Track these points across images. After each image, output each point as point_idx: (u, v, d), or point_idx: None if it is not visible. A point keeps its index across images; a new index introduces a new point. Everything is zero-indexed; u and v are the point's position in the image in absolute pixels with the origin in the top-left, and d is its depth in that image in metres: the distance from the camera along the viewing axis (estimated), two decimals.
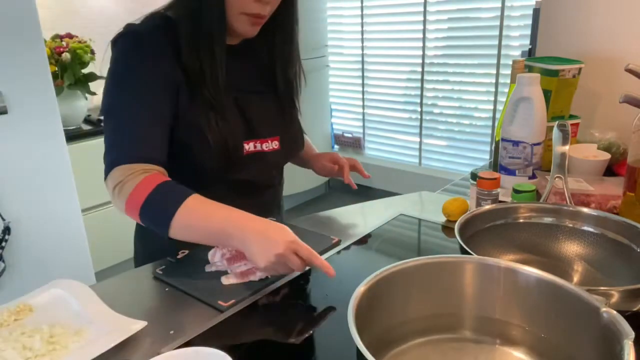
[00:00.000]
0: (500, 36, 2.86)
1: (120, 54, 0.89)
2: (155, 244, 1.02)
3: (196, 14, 0.87)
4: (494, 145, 1.36)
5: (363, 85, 3.63)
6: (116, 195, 0.83)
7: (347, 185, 1.17)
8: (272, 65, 1.03)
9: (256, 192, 1.00)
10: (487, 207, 0.90)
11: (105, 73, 0.91)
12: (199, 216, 0.80)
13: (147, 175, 0.82)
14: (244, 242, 0.77)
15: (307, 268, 0.80)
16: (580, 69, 1.27)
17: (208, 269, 0.87)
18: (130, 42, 0.89)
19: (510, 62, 1.28)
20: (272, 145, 1.00)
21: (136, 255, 1.10)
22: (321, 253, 0.93)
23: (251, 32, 0.93)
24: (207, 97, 0.90)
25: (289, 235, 0.76)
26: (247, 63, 1.01)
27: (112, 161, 0.84)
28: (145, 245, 1.07)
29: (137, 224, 1.05)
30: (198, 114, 0.90)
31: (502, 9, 2.82)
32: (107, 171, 0.85)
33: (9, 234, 1.52)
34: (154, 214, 0.81)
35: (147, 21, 0.91)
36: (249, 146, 0.96)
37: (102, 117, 0.91)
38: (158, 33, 0.89)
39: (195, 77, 0.89)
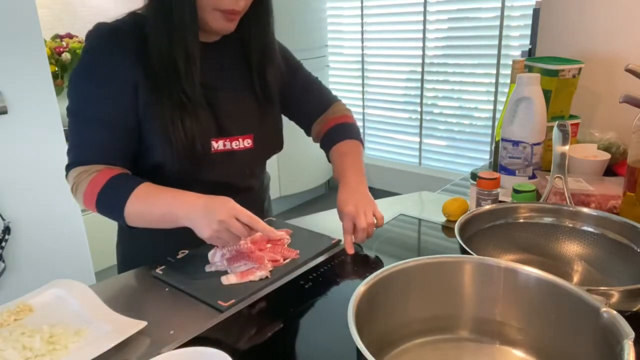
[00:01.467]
0: (500, 36, 2.86)
1: (84, 53, 0.89)
2: (137, 248, 1.03)
3: (167, 11, 0.85)
4: (494, 145, 1.36)
5: (363, 85, 3.63)
6: (74, 193, 0.89)
7: None
8: (247, 60, 1.00)
9: (230, 194, 0.86)
10: (487, 207, 0.90)
11: None
12: (148, 202, 0.85)
13: (97, 174, 0.86)
14: (189, 218, 0.81)
15: (258, 234, 0.86)
16: (580, 69, 1.27)
17: (208, 269, 0.87)
18: (92, 41, 0.88)
19: (510, 62, 1.28)
20: (243, 143, 0.97)
21: (119, 261, 1.08)
22: (321, 253, 0.93)
23: (226, 28, 0.90)
24: (176, 96, 0.88)
25: (230, 202, 0.81)
26: (222, 60, 0.98)
27: (70, 163, 0.89)
28: (127, 250, 1.06)
29: (119, 230, 1.07)
30: (160, 114, 0.88)
31: (502, 9, 2.81)
32: (66, 171, 0.90)
33: (9, 234, 1.52)
34: (109, 205, 0.86)
35: (121, 21, 0.91)
36: (218, 144, 0.94)
37: None
38: (123, 31, 0.88)
39: (167, 78, 0.87)
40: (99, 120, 0.88)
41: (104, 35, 0.88)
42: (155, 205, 0.84)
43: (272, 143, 1.06)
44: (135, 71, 0.87)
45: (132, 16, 0.92)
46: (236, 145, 0.96)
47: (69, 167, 0.89)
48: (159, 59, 0.87)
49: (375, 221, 0.94)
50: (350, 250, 0.92)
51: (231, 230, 0.79)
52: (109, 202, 0.86)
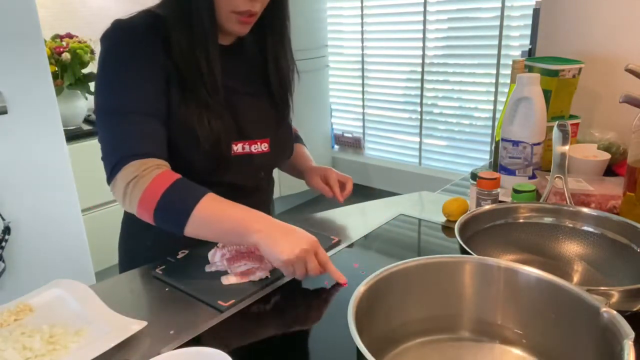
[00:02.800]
0: (500, 36, 2.86)
1: (112, 49, 0.87)
2: (139, 249, 1.02)
3: (187, 15, 0.86)
4: (494, 145, 1.36)
5: (363, 85, 3.63)
6: (129, 192, 0.81)
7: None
8: (264, 65, 1.01)
9: (243, 195, 0.92)
10: (487, 207, 0.90)
11: None
12: (218, 210, 0.80)
13: (161, 172, 0.82)
14: (268, 235, 0.78)
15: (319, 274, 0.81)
16: (580, 69, 1.27)
17: (208, 269, 0.87)
18: (121, 36, 0.87)
19: (510, 62, 1.28)
20: (261, 147, 0.98)
21: (121, 259, 1.08)
22: None
23: (242, 30, 0.91)
24: (202, 97, 0.89)
25: (313, 237, 0.80)
26: (239, 63, 0.99)
27: (121, 158, 0.82)
28: (130, 251, 1.05)
29: (123, 230, 1.05)
30: (189, 112, 0.89)
31: (502, 9, 2.82)
32: (116, 169, 0.82)
33: (9, 234, 1.52)
34: (173, 207, 0.80)
35: (137, 17, 0.89)
36: (237, 147, 0.94)
37: (95, 116, 0.90)
38: (149, 29, 0.87)
39: (191, 77, 0.88)
40: (143, 111, 0.85)
41: (128, 29, 0.87)
42: (226, 214, 0.80)
43: (286, 148, 1.08)
44: (167, 61, 0.87)
45: (147, 14, 0.90)
46: (255, 149, 0.97)
47: (118, 166, 0.82)
48: (180, 58, 0.87)
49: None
50: (341, 199, 1.13)
51: (308, 263, 0.78)
52: (174, 204, 0.80)
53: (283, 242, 0.77)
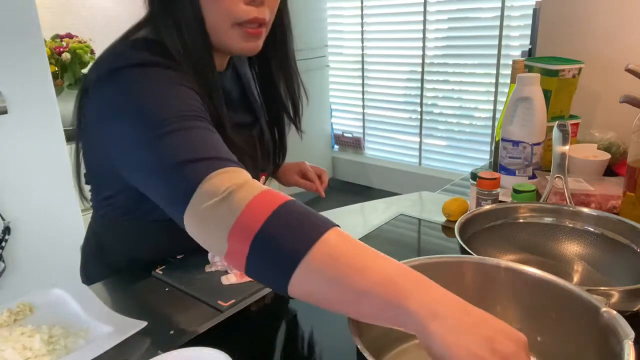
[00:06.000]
0: (500, 36, 2.86)
1: (134, 87, 0.64)
2: (109, 259, 0.91)
3: (180, 38, 0.69)
4: (494, 145, 1.36)
5: (363, 85, 3.63)
6: (227, 202, 0.52)
7: (347, 185, 1.16)
8: (263, 88, 0.88)
9: None
10: (487, 207, 0.90)
11: None
12: (348, 257, 0.49)
13: (267, 190, 0.53)
14: (443, 318, 0.44)
15: None
16: (580, 69, 1.27)
17: (208, 269, 0.87)
18: (144, 73, 0.66)
19: (510, 62, 1.28)
20: (261, 182, 0.86)
21: (83, 270, 0.95)
22: None
23: (252, 47, 0.74)
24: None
25: (521, 337, 0.45)
26: (229, 93, 0.84)
27: (206, 167, 0.56)
28: (97, 259, 0.93)
29: (90, 231, 0.91)
30: None
31: (502, 9, 2.82)
32: (198, 180, 0.55)
33: (9, 234, 1.52)
34: (277, 247, 0.49)
35: (138, 50, 0.69)
36: None
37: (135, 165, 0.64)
38: (166, 62, 0.68)
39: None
40: (201, 115, 0.65)
41: (158, 65, 0.67)
42: (365, 267, 0.48)
43: (278, 169, 1.01)
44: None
45: (154, 46, 0.70)
46: None
47: (205, 172, 0.55)
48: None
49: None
50: (323, 193, 1.08)
51: None
52: (280, 241, 0.49)
53: (466, 339, 0.42)
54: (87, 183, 0.84)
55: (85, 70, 2.24)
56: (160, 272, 0.87)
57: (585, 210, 0.85)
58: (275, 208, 0.50)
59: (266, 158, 0.92)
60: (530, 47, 2.01)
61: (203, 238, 0.55)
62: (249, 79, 0.92)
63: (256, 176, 0.82)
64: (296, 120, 0.94)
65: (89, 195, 0.87)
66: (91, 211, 0.89)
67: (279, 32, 0.82)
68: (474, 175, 1.04)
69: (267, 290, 0.81)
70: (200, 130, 0.61)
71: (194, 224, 0.55)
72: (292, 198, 0.53)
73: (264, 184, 0.86)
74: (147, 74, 0.66)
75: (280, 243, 0.48)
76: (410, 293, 0.45)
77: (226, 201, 0.52)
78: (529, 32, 2.37)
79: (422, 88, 3.30)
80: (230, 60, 0.86)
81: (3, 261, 1.52)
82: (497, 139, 1.27)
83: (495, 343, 0.42)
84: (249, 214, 0.50)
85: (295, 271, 0.48)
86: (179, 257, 0.92)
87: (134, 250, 0.89)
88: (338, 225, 0.52)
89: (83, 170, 0.84)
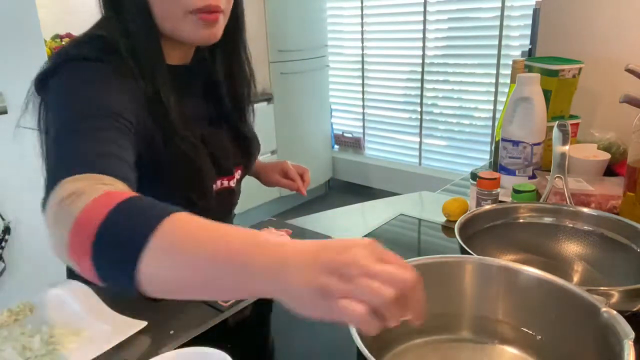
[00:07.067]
0: (500, 36, 2.86)
1: (71, 79, 0.66)
2: None
3: (129, 31, 0.69)
4: (494, 145, 1.36)
5: (363, 85, 3.63)
6: (65, 207, 0.50)
7: (347, 185, 1.16)
8: (217, 81, 0.86)
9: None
10: (487, 207, 0.90)
11: None
12: (195, 237, 0.44)
13: (110, 190, 0.50)
14: (294, 267, 0.42)
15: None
16: (580, 69, 1.27)
17: None
18: (83, 67, 0.66)
19: (510, 62, 1.28)
20: (237, 175, 0.90)
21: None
22: None
23: (209, 35, 0.72)
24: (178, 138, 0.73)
25: (372, 243, 0.45)
26: (195, 87, 0.84)
27: (66, 170, 0.55)
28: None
29: None
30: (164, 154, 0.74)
31: (502, 9, 2.82)
32: (53, 183, 0.54)
33: (9, 234, 1.52)
34: (119, 237, 0.45)
35: (87, 45, 0.69)
36: (216, 185, 0.84)
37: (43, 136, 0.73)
38: (114, 57, 0.69)
39: (159, 110, 0.72)
40: (111, 116, 0.63)
41: (101, 59, 0.68)
42: (208, 244, 0.43)
43: (254, 160, 0.98)
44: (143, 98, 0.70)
45: (103, 42, 0.70)
46: (233, 184, 0.88)
47: (62, 176, 0.54)
48: (149, 92, 0.71)
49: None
50: (305, 192, 1.08)
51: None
52: (121, 232, 0.45)
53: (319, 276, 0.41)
54: None
55: None
56: None
57: (585, 210, 0.85)
58: (115, 205, 0.47)
59: (239, 151, 0.90)
60: (530, 47, 2.01)
61: (52, 244, 0.54)
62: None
63: (230, 170, 0.86)
64: (248, 109, 0.91)
65: None
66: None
67: (231, 21, 0.79)
68: (474, 175, 1.04)
69: None
70: (97, 132, 0.60)
71: (47, 228, 0.54)
72: (137, 194, 0.49)
73: (240, 178, 0.89)
74: (77, 70, 0.66)
75: (123, 233, 0.45)
76: (251, 257, 0.41)
77: (67, 206, 0.50)
78: (529, 32, 2.36)
79: (422, 88, 3.30)
80: (199, 52, 0.83)
81: (3, 261, 1.52)
82: (497, 139, 1.27)
83: (338, 262, 0.40)
84: (87, 214, 0.47)
85: (142, 251, 0.43)
86: None
87: None
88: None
89: None
